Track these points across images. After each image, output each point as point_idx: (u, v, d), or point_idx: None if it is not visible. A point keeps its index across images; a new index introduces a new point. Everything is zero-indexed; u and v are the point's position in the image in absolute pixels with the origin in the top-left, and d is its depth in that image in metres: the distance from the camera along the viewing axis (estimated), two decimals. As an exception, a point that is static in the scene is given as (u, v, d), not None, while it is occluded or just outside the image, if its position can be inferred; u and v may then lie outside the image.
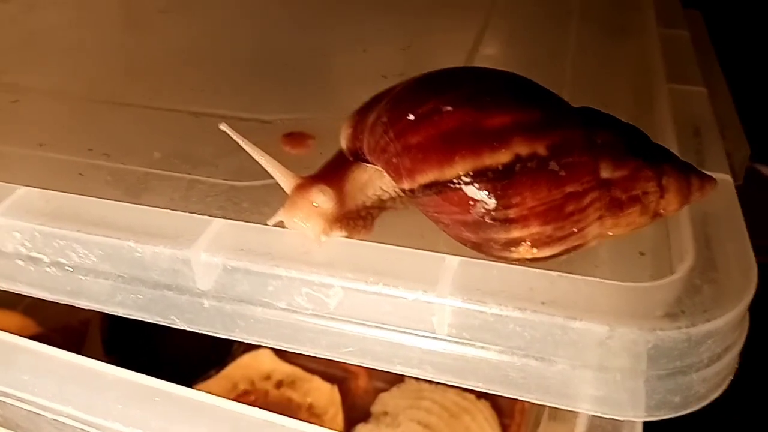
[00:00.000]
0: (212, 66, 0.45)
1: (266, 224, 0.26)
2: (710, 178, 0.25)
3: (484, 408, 0.52)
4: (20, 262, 0.28)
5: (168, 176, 0.32)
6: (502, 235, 0.23)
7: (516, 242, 0.23)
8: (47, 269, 0.28)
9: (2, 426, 0.32)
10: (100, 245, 0.27)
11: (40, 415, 0.28)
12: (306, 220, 0.25)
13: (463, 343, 0.24)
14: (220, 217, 0.27)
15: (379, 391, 0.54)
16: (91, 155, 0.34)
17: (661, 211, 0.24)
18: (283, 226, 0.26)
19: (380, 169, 0.25)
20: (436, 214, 0.24)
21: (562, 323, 0.22)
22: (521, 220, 0.22)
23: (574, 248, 0.24)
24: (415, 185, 0.23)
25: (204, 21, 0.51)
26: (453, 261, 0.24)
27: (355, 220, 0.26)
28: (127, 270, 0.27)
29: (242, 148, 0.27)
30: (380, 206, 0.27)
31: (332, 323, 0.25)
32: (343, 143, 0.26)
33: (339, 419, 0.53)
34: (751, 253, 0.25)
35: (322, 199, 0.25)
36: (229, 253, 0.26)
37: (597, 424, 0.27)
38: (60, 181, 0.31)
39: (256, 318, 0.26)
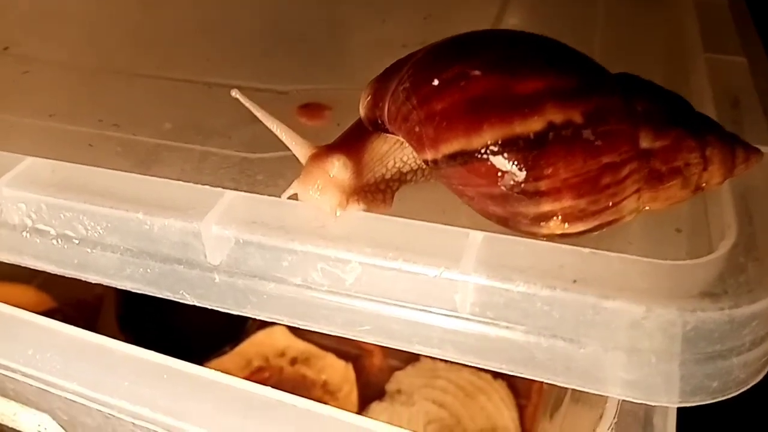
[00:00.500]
0: (226, 36, 0.44)
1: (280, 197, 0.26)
2: (756, 149, 0.24)
3: (500, 388, 0.52)
4: (26, 234, 0.28)
5: (179, 147, 0.32)
6: (532, 209, 0.22)
7: (546, 216, 0.22)
8: (54, 242, 0.28)
9: (13, 400, 0.32)
10: (107, 217, 0.26)
11: (47, 391, 0.27)
12: (322, 192, 0.25)
13: (486, 323, 0.23)
14: (232, 189, 0.26)
15: (393, 369, 0.54)
16: (102, 126, 0.34)
17: (703, 184, 0.23)
18: (297, 199, 0.25)
19: (401, 139, 0.24)
20: (460, 187, 0.23)
21: (594, 302, 0.21)
22: (553, 193, 0.21)
23: (608, 224, 0.23)
24: (438, 156, 0.22)
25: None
26: (477, 236, 0.24)
27: (374, 193, 0.25)
28: (135, 243, 0.26)
29: (256, 117, 0.26)
30: (400, 179, 0.26)
31: (348, 300, 0.25)
32: (362, 111, 0.26)
33: (353, 397, 0.53)
34: (798, 230, 0.24)
35: (338, 169, 0.24)
36: (242, 226, 0.25)
37: (627, 409, 0.26)
38: (70, 152, 0.30)
39: (269, 294, 0.25)
